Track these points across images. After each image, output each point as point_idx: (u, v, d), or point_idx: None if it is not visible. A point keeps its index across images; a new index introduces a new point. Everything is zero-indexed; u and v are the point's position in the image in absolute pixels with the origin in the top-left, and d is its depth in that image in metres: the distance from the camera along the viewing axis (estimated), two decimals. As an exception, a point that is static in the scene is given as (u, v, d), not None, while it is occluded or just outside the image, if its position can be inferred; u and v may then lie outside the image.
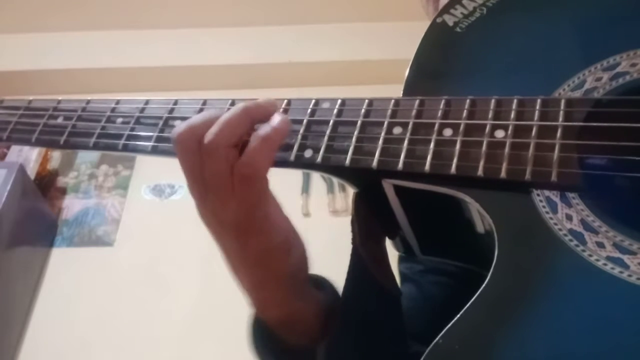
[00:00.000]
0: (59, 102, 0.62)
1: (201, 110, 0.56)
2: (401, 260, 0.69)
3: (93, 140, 0.58)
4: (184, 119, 0.56)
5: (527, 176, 0.44)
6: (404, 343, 0.55)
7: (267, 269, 0.51)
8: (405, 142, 0.48)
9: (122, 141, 0.57)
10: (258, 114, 0.49)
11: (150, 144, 0.56)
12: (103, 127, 0.58)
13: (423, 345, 0.40)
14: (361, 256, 0.51)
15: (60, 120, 0.61)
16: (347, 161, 0.49)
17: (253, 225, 0.49)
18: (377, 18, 2.08)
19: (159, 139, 0.56)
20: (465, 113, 0.48)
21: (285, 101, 0.54)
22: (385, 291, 0.54)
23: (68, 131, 0.59)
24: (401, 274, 0.69)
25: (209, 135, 0.47)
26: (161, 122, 0.56)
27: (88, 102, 0.61)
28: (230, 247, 0.51)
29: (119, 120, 0.58)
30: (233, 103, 0.55)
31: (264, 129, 0.47)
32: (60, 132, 0.60)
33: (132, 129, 0.57)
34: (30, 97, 0.64)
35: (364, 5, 2.07)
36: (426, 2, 0.66)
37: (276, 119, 0.48)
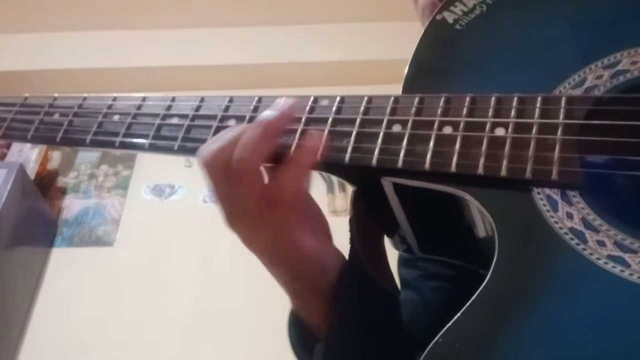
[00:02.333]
0: (55, 98, 0.62)
1: (199, 107, 0.55)
2: (401, 264, 0.69)
3: (90, 137, 0.58)
4: (181, 116, 0.55)
5: (528, 174, 0.44)
6: (402, 342, 0.54)
7: (302, 286, 0.51)
8: (405, 139, 0.48)
9: (119, 138, 0.57)
10: (280, 126, 0.48)
11: (147, 141, 0.55)
12: (100, 124, 0.58)
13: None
14: (359, 255, 0.51)
15: (56, 117, 0.60)
16: (347, 159, 0.49)
17: (281, 252, 0.49)
18: (377, 18, 2.08)
19: (156, 137, 0.55)
20: (465, 110, 0.48)
21: (284, 99, 0.53)
22: (383, 290, 0.54)
23: (64, 128, 0.59)
24: (402, 278, 0.68)
25: (234, 161, 0.45)
26: (158, 119, 0.56)
27: (84, 98, 0.61)
28: (264, 265, 0.51)
29: (116, 117, 0.58)
30: (260, 100, 0.54)
31: (295, 152, 0.46)
32: (56, 129, 0.59)
33: (129, 126, 0.57)
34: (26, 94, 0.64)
35: (364, 5, 2.07)
36: (421, 15, 0.66)
37: (308, 137, 0.47)
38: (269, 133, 0.47)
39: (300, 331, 0.53)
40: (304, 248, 0.49)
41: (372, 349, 0.51)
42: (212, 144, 0.47)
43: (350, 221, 0.51)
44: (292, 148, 0.47)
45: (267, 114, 0.48)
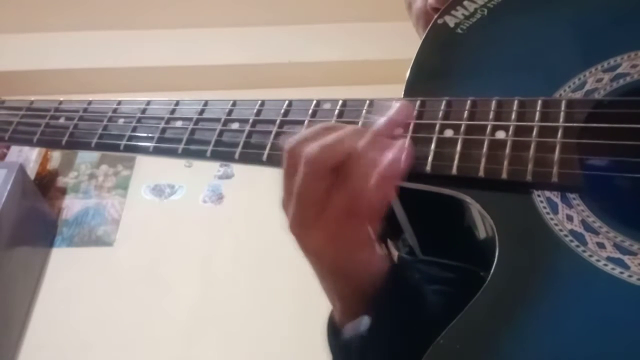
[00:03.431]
0: (60, 102, 0.62)
1: (202, 111, 0.56)
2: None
3: (95, 140, 0.58)
4: (185, 119, 0.56)
5: (528, 177, 0.44)
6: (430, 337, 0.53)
7: (357, 298, 0.49)
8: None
9: (123, 142, 0.57)
10: (390, 134, 0.46)
11: (151, 144, 0.56)
12: (105, 128, 0.58)
13: None
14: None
15: (62, 121, 0.61)
16: (348, 162, 0.49)
17: (353, 267, 0.47)
18: (377, 18, 2.08)
19: (160, 140, 0.56)
20: (466, 114, 0.48)
21: (287, 102, 0.54)
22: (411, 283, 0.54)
23: (70, 132, 0.59)
24: None
25: (354, 164, 0.42)
26: (162, 123, 0.56)
27: (90, 102, 0.61)
28: (319, 278, 0.49)
29: (121, 120, 0.58)
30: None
31: (385, 166, 0.43)
32: (62, 133, 0.60)
33: (134, 130, 0.57)
34: (32, 98, 0.64)
35: (364, 5, 2.07)
36: (416, 22, 0.66)
37: (397, 149, 0.44)
38: (380, 146, 0.45)
39: (336, 331, 0.51)
40: (374, 263, 0.48)
41: (406, 344, 0.50)
42: (313, 141, 0.44)
43: None
44: (384, 162, 0.44)
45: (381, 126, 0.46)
